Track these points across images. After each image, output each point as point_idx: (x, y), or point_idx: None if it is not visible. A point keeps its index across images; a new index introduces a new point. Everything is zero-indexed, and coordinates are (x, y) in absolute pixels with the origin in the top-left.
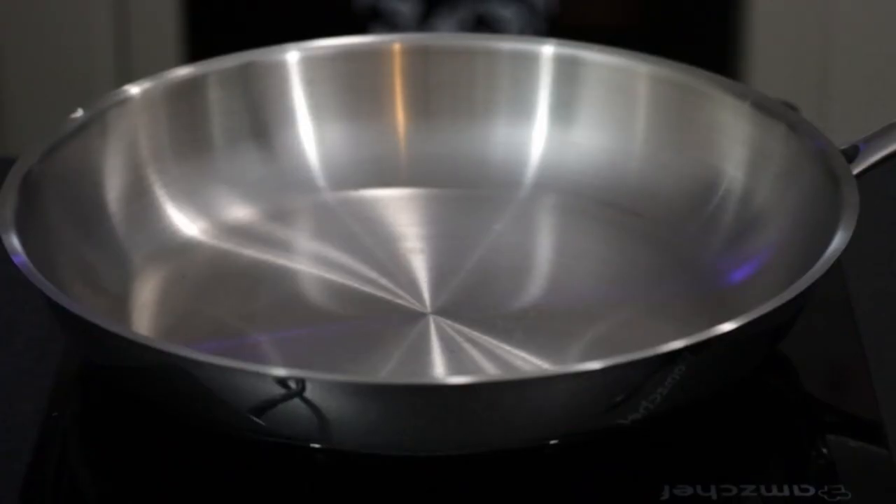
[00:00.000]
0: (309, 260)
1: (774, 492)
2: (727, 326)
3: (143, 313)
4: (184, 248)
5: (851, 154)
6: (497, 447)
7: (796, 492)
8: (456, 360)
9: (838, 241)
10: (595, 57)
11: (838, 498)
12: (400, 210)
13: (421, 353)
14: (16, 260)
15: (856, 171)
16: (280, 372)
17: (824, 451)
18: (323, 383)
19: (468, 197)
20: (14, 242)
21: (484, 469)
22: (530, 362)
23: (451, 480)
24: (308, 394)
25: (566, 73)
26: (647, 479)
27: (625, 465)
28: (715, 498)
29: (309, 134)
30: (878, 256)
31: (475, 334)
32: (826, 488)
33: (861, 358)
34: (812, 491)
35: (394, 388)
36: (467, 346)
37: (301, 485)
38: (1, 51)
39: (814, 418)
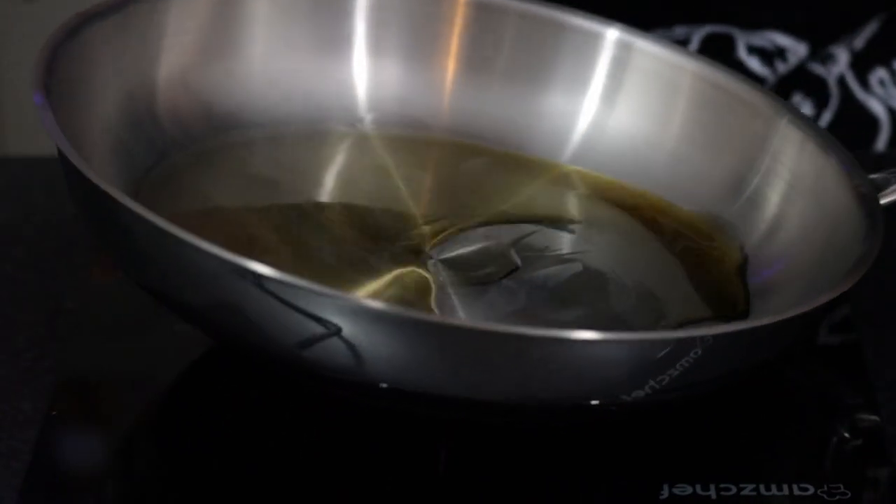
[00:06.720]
0: (333, 184)
1: (774, 491)
2: (726, 326)
3: (161, 202)
4: (218, 148)
5: (882, 184)
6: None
7: (796, 491)
8: (448, 303)
9: (851, 276)
10: (648, 46)
11: (837, 497)
12: (432, 156)
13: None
14: (45, 123)
15: (884, 200)
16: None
17: (824, 449)
18: (367, 312)
19: (500, 158)
20: (44, 100)
21: (484, 468)
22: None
23: (450, 476)
24: (346, 331)
25: (621, 58)
26: (646, 477)
27: (624, 464)
28: (714, 497)
29: (362, 62)
30: (878, 256)
31: (464, 290)
32: (825, 487)
33: (861, 358)
34: (811, 490)
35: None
36: (451, 291)
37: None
38: (1, 50)
39: (814, 418)
